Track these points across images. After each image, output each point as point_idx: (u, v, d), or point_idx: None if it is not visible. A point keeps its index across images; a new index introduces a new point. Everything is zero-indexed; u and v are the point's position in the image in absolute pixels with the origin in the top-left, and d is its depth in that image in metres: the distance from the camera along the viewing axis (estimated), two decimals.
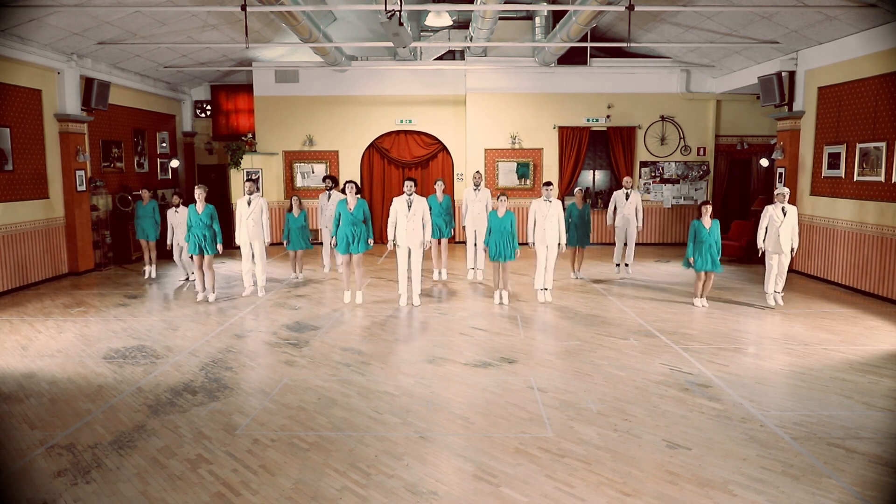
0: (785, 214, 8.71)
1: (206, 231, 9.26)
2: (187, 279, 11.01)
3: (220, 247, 9.41)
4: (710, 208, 8.83)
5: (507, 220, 8.87)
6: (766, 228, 8.85)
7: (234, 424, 5.07)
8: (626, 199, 11.03)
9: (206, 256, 9.35)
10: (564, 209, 10.04)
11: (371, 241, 9.07)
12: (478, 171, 10.98)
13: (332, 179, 11.24)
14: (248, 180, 9.61)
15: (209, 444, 4.72)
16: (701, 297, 9.02)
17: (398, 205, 8.84)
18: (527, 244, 9.32)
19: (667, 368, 6.37)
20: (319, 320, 8.35)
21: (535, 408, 5.37)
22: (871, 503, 3.92)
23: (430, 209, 10.37)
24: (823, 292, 10.07)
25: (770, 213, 8.81)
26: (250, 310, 8.96)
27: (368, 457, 4.52)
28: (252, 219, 9.52)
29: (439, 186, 10.78)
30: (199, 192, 9.33)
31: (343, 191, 9.19)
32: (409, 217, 8.79)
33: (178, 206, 10.76)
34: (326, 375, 6.20)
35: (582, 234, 10.69)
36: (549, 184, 9.18)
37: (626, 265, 11.33)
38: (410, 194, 8.85)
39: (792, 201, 11.64)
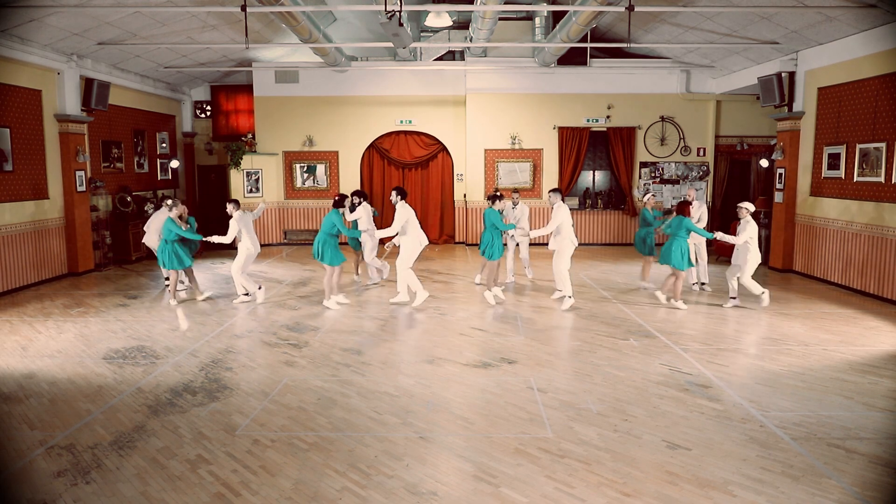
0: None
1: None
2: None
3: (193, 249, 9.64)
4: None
5: (491, 213, 8.92)
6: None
7: (234, 425, 5.07)
8: (698, 207, 9.98)
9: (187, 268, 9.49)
10: (640, 216, 10.14)
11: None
12: (516, 190, 11.32)
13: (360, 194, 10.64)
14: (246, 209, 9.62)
15: (209, 445, 4.72)
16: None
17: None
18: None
19: (667, 369, 6.37)
20: (319, 320, 8.35)
21: (535, 408, 5.37)
22: (871, 503, 3.92)
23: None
24: (823, 293, 10.07)
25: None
26: (250, 310, 8.96)
27: (368, 457, 4.52)
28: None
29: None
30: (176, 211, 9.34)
31: (353, 206, 9.25)
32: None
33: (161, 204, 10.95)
34: (326, 376, 6.20)
35: (654, 242, 10.22)
36: (556, 190, 9.31)
37: (704, 284, 10.22)
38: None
39: (792, 201, 11.66)
